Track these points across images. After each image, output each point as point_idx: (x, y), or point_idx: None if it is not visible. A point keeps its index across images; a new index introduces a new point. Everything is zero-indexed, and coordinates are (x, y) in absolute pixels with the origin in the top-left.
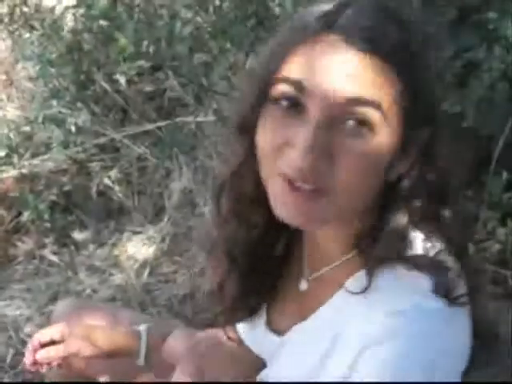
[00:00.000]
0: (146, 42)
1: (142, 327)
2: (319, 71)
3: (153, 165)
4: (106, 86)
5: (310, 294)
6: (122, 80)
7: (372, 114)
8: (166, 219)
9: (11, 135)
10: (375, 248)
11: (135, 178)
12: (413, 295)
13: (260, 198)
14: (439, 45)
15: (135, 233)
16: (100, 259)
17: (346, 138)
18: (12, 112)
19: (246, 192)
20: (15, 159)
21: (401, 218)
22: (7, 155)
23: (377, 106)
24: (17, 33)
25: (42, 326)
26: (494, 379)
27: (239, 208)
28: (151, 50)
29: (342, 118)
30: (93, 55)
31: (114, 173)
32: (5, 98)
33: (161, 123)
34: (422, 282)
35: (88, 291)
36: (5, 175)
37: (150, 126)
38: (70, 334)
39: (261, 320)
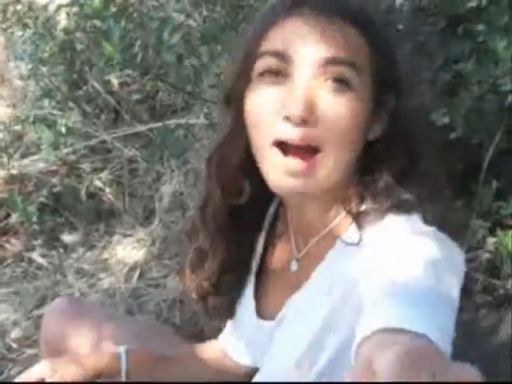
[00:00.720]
0: (133, 50)
1: (122, 349)
2: (297, 40)
3: (144, 167)
4: (98, 86)
5: (301, 271)
6: (115, 81)
7: (349, 72)
8: (156, 222)
9: (1, 135)
10: (362, 205)
11: (126, 180)
12: (406, 224)
13: (246, 169)
14: (429, 54)
15: (125, 235)
16: (89, 262)
17: (328, 95)
18: (3, 110)
19: (232, 162)
20: (4, 159)
21: (382, 177)
22: None
23: (352, 64)
24: (9, 30)
25: (28, 331)
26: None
27: (225, 178)
28: (139, 57)
29: (323, 77)
30: (85, 55)
31: (104, 175)
32: None
33: (152, 125)
34: (413, 217)
35: (77, 295)
36: None
37: (141, 128)
38: (52, 374)
39: (249, 312)
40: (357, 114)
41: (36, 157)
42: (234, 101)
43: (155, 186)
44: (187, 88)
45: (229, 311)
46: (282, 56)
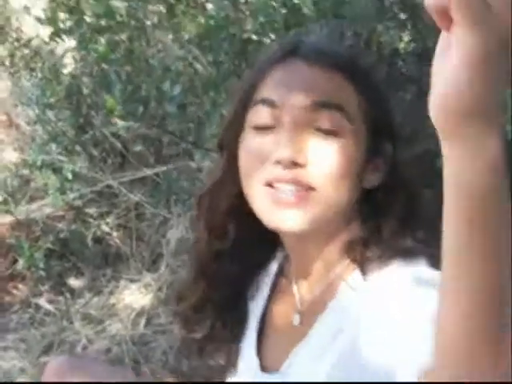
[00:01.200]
0: (135, 100)
1: None
2: (285, 87)
3: (151, 212)
4: (105, 130)
5: (303, 323)
6: (121, 124)
7: (336, 117)
8: (163, 267)
9: (8, 180)
10: (366, 252)
11: (133, 225)
12: (410, 273)
13: (234, 214)
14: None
15: (132, 281)
16: (96, 308)
17: (316, 139)
18: (10, 155)
19: (221, 206)
20: (12, 204)
21: (386, 224)
22: (4, 200)
23: (340, 108)
24: (17, 75)
25: (35, 378)
26: None
27: (213, 221)
28: (140, 109)
29: (311, 123)
30: (92, 99)
31: (111, 219)
32: (4, 140)
33: (158, 169)
34: (417, 262)
35: (83, 342)
36: (0, 221)
37: (147, 172)
38: None
39: (252, 368)
40: (346, 159)
41: (43, 202)
42: (227, 147)
43: (162, 231)
44: (190, 137)
45: (229, 362)
46: (271, 104)
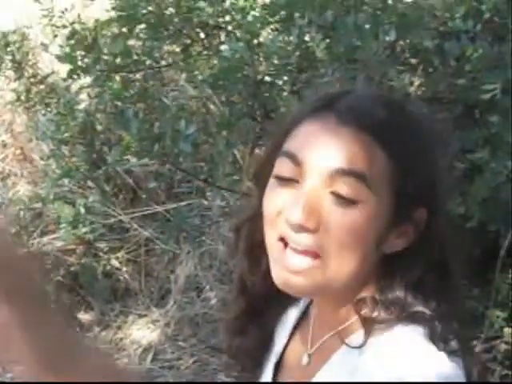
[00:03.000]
0: (150, 139)
1: None
2: (311, 145)
3: (160, 247)
4: (117, 166)
5: (310, 366)
6: (133, 162)
7: (356, 185)
8: (171, 303)
9: (21, 213)
10: (374, 314)
11: (142, 260)
12: (409, 345)
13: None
14: (444, 141)
15: (140, 316)
16: (104, 342)
17: (331, 206)
18: (24, 188)
19: (256, 237)
20: (24, 237)
21: (400, 286)
22: (17, 233)
23: (364, 178)
24: (33, 109)
25: None
26: None
27: (251, 249)
28: (156, 147)
29: (329, 188)
30: (105, 135)
31: (121, 254)
32: (18, 173)
33: (169, 206)
34: (417, 332)
35: None
36: None
37: (158, 209)
38: None
39: None
40: (363, 229)
41: (55, 235)
42: (258, 186)
43: (171, 267)
44: (202, 175)
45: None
46: (294, 159)
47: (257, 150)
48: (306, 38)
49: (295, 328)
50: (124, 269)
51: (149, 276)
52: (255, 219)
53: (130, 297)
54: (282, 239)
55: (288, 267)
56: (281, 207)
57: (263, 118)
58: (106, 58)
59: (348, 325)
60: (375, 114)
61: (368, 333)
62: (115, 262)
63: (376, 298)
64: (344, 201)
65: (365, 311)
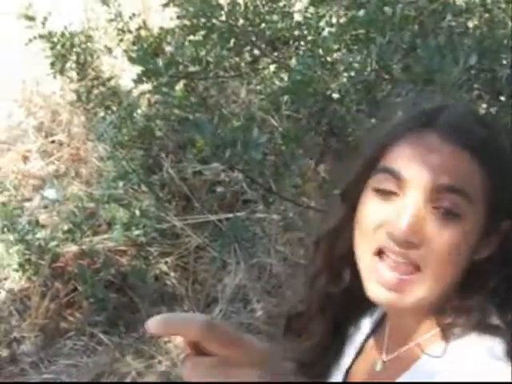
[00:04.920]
0: (221, 144)
1: None
2: (414, 162)
3: (210, 255)
4: (173, 172)
5: (385, 373)
6: (189, 169)
7: (460, 202)
8: (217, 311)
9: (76, 211)
10: (456, 323)
11: (191, 267)
12: (485, 359)
13: (350, 259)
14: None
15: None
16: (148, 343)
17: (435, 223)
18: (78, 187)
19: (337, 251)
20: (77, 235)
21: (480, 295)
22: (69, 230)
23: (465, 194)
24: (92, 111)
25: None
26: None
27: (330, 264)
28: (227, 153)
29: (433, 204)
30: (163, 142)
31: (171, 259)
32: (73, 173)
33: (223, 215)
34: (495, 346)
35: (133, 374)
36: (65, 250)
37: (211, 217)
38: None
39: None
40: (462, 243)
41: (107, 235)
42: (347, 200)
43: (219, 276)
44: (267, 185)
45: None
46: (397, 176)
47: (321, 165)
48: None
49: (368, 337)
50: (172, 274)
51: (196, 283)
52: (338, 232)
53: (177, 301)
54: (378, 252)
55: (385, 281)
56: (382, 220)
57: (328, 134)
58: (175, 64)
59: (429, 335)
60: (476, 133)
61: (447, 341)
62: (164, 267)
63: (456, 306)
64: (447, 216)
65: (447, 321)
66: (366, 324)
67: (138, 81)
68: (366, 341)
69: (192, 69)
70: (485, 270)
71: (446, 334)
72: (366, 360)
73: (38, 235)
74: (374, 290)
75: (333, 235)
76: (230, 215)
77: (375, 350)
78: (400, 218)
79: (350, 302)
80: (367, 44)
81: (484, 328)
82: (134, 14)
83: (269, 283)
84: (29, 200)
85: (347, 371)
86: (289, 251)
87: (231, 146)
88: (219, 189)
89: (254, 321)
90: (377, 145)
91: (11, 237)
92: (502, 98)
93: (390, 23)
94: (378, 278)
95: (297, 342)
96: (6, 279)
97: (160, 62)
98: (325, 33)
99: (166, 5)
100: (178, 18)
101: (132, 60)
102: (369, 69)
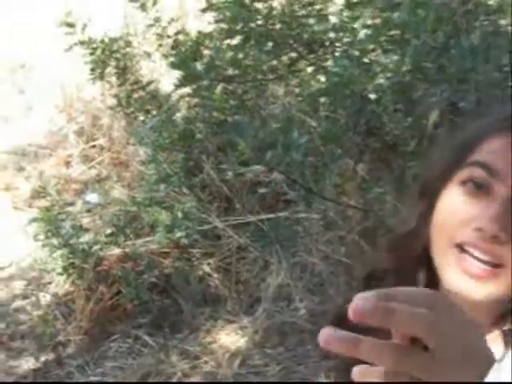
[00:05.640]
0: (261, 146)
1: None
2: (507, 158)
3: (252, 256)
4: (214, 174)
5: None
6: (230, 171)
7: None
8: (260, 311)
9: (118, 215)
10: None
11: (234, 268)
12: None
13: (424, 261)
14: None
15: (229, 321)
16: (193, 344)
17: None
18: (120, 191)
19: (413, 251)
20: (120, 238)
21: None
22: (112, 234)
23: None
24: (132, 115)
25: None
26: None
27: (404, 265)
28: (268, 155)
29: None
30: (203, 144)
31: (213, 260)
32: (114, 177)
33: (264, 216)
34: None
35: (179, 375)
36: (108, 253)
37: (252, 218)
38: None
39: None
40: None
41: (150, 238)
42: (427, 197)
43: (262, 275)
44: (307, 185)
45: None
46: (489, 170)
47: (360, 164)
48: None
49: None
50: (215, 275)
51: (239, 283)
52: (417, 230)
53: (220, 302)
54: (459, 247)
55: (470, 272)
56: (470, 215)
57: (366, 133)
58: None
59: (488, 337)
60: None
61: (507, 345)
62: (207, 268)
63: None
64: None
65: (508, 325)
66: None
67: (180, 85)
68: None
69: (230, 72)
70: None
71: (507, 340)
72: None
73: (82, 239)
74: (456, 278)
75: (408, 237)
76: (271, 215)
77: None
78: (490, 212)
79: None
80: (402, 45)
81: None
82: (172, 19)
83: (311, 282)
84: (71, 205)
85: None
86: (330, 250)
87: (271, 148)
88: (260, 190)
89: (297, 319)
90: (463, 143)
91: (55, 241)
92: None
93: (424, 25)
94: (462, 267)
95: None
96: (50, 283)
97: (199, 66)
98: (361, 34)
99: (204, 10)
100: (216, 22)
101: (172, 65)
102: (404, 69)
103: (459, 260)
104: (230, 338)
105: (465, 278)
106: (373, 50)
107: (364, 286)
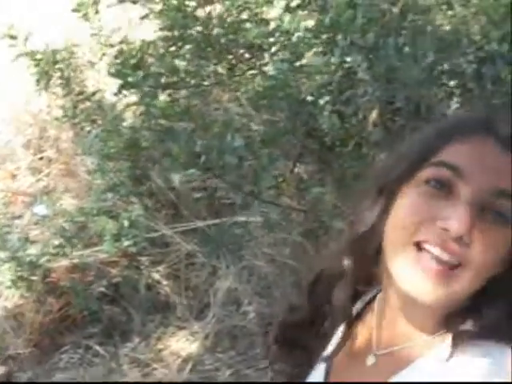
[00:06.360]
0: (197, 151)
1: None
2: (476, 161)
3: (200, 262)
4: (160, 182)
5: (377, 368)
6: (176, 178)
7: (510, 206)
8: (210, 316)
9: (66, 226)
10: (469, 330)
11: (183, 274)
12: (490, 372)
13: (377, 261)
14: None
15: (180, 328)
16: (144, 352)
17: (487, 224)
18: (69, 202)
19: (369, 250)
20: (68, 249)
21: (499, 305)
22: (60, 245)
23: None
24: (79, 126)
25: None
26: None
27: (360, 267)
28: (202, 158)
29: (487, 205)
30: (149, 152)
31: (162, 268)
32: (62, 188)
33: (211, 221)
34: (504, 361)
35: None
36: (56, 265)
37: (199, 224)
38: None
39: None
40: (505, 247)
41: (98, 248)
42: (386, 194)
43: (210, 281)
44: (246, 188)
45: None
46: (455, 170)
47: (299, 166)
48: (348, 59)
49: (351, 323)
50: (165, 282)
51: (189, 289)
52: (369, 234)
53: (170, 309)
54: (417, 245)
55: (427, 270)
56: (434, 214)
57: (305, 135)
58: (153, 76)
59: (433, 337)
60: None
61: (455, 346)
62: (156, 275)
63: (468, 312)
64: (498, 219)
65: (460, 326)
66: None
67: (118, 93)
68: (349, 327)
69: (172, 79)
70: (508, 282)
71: (457, 340)
72: (351, 349)
73: (29, 251)
74: (412, 277)
75: (366, 236)
76: (217, 221)
77: (363, 338)
78: (458, 214)
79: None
80: (331, 47)
81: (497, 341)
82: (118, 28)
83: (258, 285)
84: (19, 217)
85: (329, 358)
86: (275, 252)
87: (206, 151)
88: (203, 195)
89: (246, 323)
90: (428, 143)
91: (2, 254)
92: (468, 94)
93: (353, 26)
94: (420, 266)
95: (288, 353)
96: None
97: (140, 74)
98: (294, 38)
99: (143, 17)
100: (160, 30)
101: (110, 73)
102: (334, 70)
103: (416, 258)
104: (180, 345)
105: (421, 278)
106: (307, 53)
107: (310, 292)
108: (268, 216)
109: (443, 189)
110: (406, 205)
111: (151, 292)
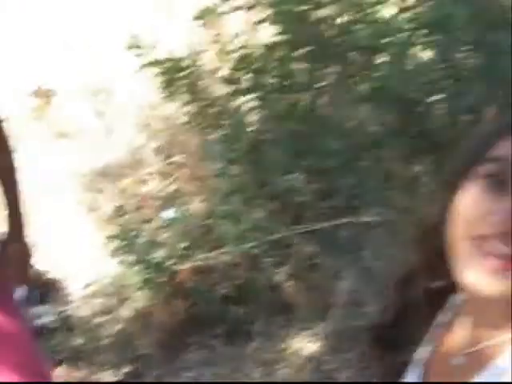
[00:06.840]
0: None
1: None
2: None
3: (322, 263)
4: (282, 184)
5: (463, 369)
6: (297, 180)
7: None
8: (331, 316)
9: (192, 229)
10: None
11: (305, 275)
12: None
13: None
14: None
15: (302, 328)
16: (267, 352)
17: None
18: (195, 205)
19: (440, 245)
20: (194, 252)
21: None
22: (186, 247)
23: None
24: (205, 131)
25: None
26: None
27: (430, 261)
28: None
29: None
30: (271, 155)
31: (285, 269)
32: (190, 192)
33: (332, 222)
34: None
35: None
36: (181, 267)
37: (321, 225)
38: None
39: None
40: None
41: (222, 250)
42: (449, 191)
43: (333, 282)
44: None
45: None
46: (507, 165)
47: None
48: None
49: (441, 327)
50: (287, 283)
51: (311, 290)
52: (434, 228)
53: (293, 310)
54: (478, 239)
55: (489, 265)
56: (488, 209)
57: (417, 134)
58: (272, 80)
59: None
60: None
61: None
62: (279, 277)
63: None
64: None
65: None
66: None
67: (233, 99)
68: (440, 331)
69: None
70: None
71: None
72: (442, 352)
73: (156, 254)
74: (474, 275)
75: (439, 227)
76: (337, 222)
77: (452, 342)
78: (508, 212)
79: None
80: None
81: None
82: (237, 34)
83: (381, 285)
84: (149, 221)
85: (424, 361)
86: (395, 252)
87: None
88: (323, 197)
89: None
90: (482, 139)
91: (130, 258)
92: None
93: (456, 23)
94: (481, 262)
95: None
96: (127, 299)
97: (253, 79)
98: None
99: (259, 22)
100: (280, 34)
101: (226, 81)
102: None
103: (481, 255)
104: (303, 345)
105: (482, 272)
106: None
107: (396, 291)
108: (386, 217)
109: (499, 185)
110: (467, 200)
111: (274, 293)
